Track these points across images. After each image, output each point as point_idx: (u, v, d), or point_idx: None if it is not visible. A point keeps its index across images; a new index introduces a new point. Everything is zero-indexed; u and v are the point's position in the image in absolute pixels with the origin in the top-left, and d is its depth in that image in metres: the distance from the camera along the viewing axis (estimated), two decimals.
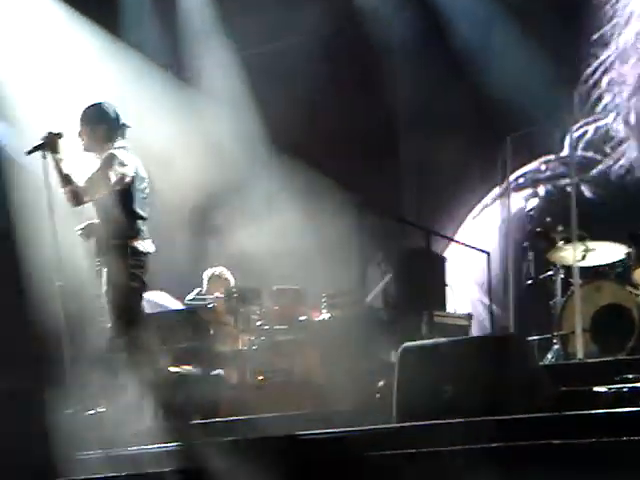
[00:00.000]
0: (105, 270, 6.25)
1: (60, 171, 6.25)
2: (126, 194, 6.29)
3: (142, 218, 6.34)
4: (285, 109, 9.93)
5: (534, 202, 8.02)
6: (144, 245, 6.30)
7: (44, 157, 6.27)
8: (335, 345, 7.90)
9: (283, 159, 10.04)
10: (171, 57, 10.18)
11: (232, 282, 9.02)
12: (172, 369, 8.03)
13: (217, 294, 8.73)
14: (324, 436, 5.16)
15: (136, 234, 6.27)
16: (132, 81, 9.07)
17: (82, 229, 6.44)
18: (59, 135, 6.32)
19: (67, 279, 6.26)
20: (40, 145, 6.31)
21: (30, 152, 6.39)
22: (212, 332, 8.39)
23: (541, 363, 6.70)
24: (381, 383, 6.60)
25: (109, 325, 6.29)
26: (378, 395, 6.54)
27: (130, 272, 6.19)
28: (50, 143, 6.29)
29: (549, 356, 7.72)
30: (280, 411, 6.83)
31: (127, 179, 6.27)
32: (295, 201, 10.04)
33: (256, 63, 10.50)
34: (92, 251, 6.39)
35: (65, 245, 6.29)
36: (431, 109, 10.06)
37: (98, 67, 9.19)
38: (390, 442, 4.82)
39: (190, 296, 8.85)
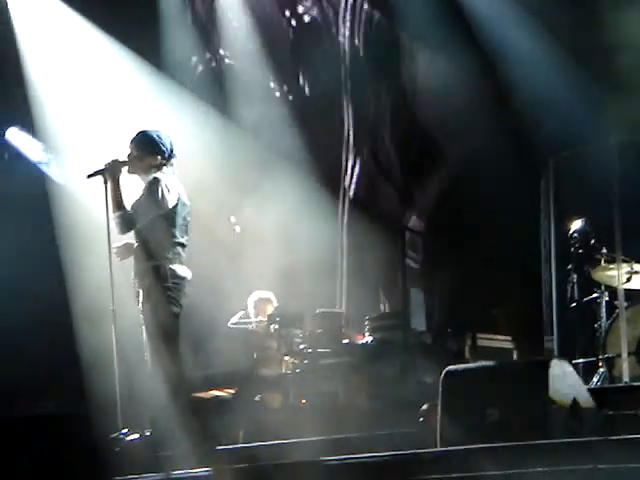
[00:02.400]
0: (143, 293, 6.29)
1: (116, 197, 6.33)
2: (168, 219, 6.33)
3: (182, 245, 6.37)
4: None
5: (578, 224, 7.94)
6: (182, 270, 6.34)
7: (105, 182, 6.38)
8: (378, 368, 7.89)
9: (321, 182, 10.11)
10: (209, 88, 10.25)
11: (275, 305, 9.05)
12: (214, 393, 8.08)
13: (260, 317, 8.76)
14: (368, 460, 5.14)
15: (175, 258, 6.30)
16: (171, 111, 9.17)
17: (118, 248, 6.48)
18: (123, 163, 6.41)
19: (119, 303, 6.31)
20: (102, 170, 6.42)
21: (91, 176, 6.49)
22: (255, 355, 8.42)
23: (587, 386, 6.62)
24: (424, 407, 6.57)
25: (148, 348, 6.31)
26: (422, 419, 6.50)
27: (168, 295, 6.22)
28: (112, 169, 6.39)
29: (594, 379, 7.64)
30: (324, 435, 6.81)
31: (170, 204, 6.31)
32: (337, 224, 10.08)
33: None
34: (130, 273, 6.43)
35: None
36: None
37: (139, 96, 9.31)
38: (434, 466, 4.80)
39: (233, 319, 8.88)
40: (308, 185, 9.98)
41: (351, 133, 10.74)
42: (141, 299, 6.29)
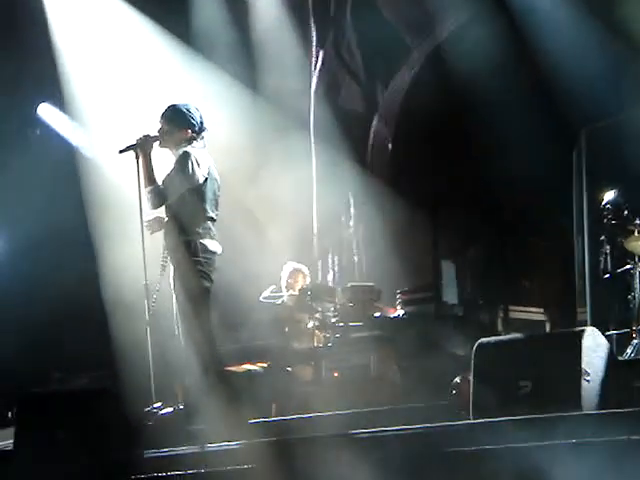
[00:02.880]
0: (173, 268, 6.31)
1: (148, 172, 6.35)
2: (198, 194, 6.33)
3: (212, 219, 6.38)
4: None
5: (611, 195, 7.87)
6: (213, 244, 6.34)
7: (137, 157, 6.39)
8: (410, 341, 7.88)
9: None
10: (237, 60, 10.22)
11: (309, 279, 9.06)
12: (246, 367, 8.10)
13: (292, 292, 8.77)
14: (400, 433, 5.14)
15: (205, 233, 6.31)
16: (201, 84, 9.15)
17: (149, 221, 6.50)
18: (154, 138, 6.42)
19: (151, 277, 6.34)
20: (133, 145, 6.43)
21: (123, 151, 6.51)
22: (287, 329, 8.44)
23: (620, 358, 6.59)
24: (457, 379, 6.56)
25: (179, 322, 6.33)
26: (454, 392, 6.50)
27: (199, 269, 6.23)
28: (143, 144, 6.40)
29: (628, 351, 7.60)
30: (356, 407, 6.83)
31: (200, 179, 6.31)
32: (370, 196, 10.06)
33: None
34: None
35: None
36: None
37: (169, 70, 9.30)
38: (467, 439, 4.79)
39: (265, 293, 8.89)
40: (333, 155, 9.98)
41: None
42: (171, 274, 6.31)
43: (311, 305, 8.38)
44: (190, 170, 6.28)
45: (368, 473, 4.09)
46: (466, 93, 9.12)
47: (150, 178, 6.35)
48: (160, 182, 6.36)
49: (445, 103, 9.53)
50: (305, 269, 9.11)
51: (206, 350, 6.13)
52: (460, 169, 9.99)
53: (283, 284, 8.97)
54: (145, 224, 6.46)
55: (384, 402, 7.17)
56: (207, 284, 6.27)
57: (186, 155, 6.32)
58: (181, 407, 6.50)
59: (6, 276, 10.03)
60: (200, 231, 6.29)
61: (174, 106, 6.51)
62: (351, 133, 10.43)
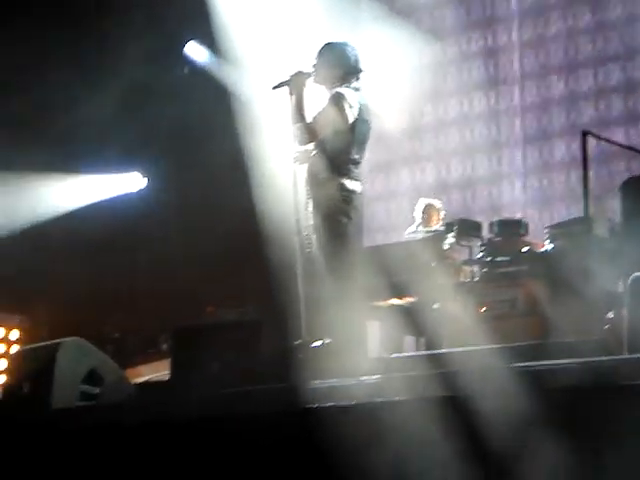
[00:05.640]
0: (313, 204, 6.35)
1: (299, 108, 6.38)
2: (347, 134, 6.32)
3: (356, 161, 6.37)
4: None
5: None
6: (354, 184, 6.35)
7: (290, 93, 6.42)
8: (559, 276, 7.75)
9: None
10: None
11: (443, 213, 9.01)
12: (393, 301, 8.13)
13: (437, 227, 8.73)
14: (551, 367, 5.08)
15: (348, 173, 6.32)
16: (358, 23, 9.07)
17: (299, 152, 6.54)
18: (307, 75, 6.44)
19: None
20: (286, 82, 6.45)
21: (276, 87, 6.54)
22: (433, 264, 8.41)
23: None
24: (610, 314, 6.43)
25: (321, 258, 6.38)
26: (607, 326, 6.38)
27: (339, 207, 6.26)
28: (297, 81, 6.42)
29: None
30: (503, 343, 6.78)
31: (350, 119, 6.30)
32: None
33: None
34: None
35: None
36: None
37: (326, 7, 9.22)
38: (620, 374, 4.70)
39: (410, 229, 8.88)
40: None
41: None
42: (311, 209, 6.36)
43: (458, 240, 8.33)
44: (341, 110, 6.26)
45: (525, 406, 4.07)
46: None
47: (300, 114, 6.37)
48: (310, 119, 6.38)
49: None
50: (438, 203, 9.06)
51: (349, 285, 6.17)
52: None
53: (417, 220, 8.95)
54: (295, 155, 6.50)
55: (532, 337, 7.10)
56: (346, 220, 6.30)
57: (339, 95, 6.30)
58: (328, 341, 6.58)
59: (165, 213, 10.29)
60: (343, 171, 6.30)
61: (331, 44, 6.48)
62: None
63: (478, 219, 9.28)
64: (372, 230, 10.55)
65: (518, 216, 9.03)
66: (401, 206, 10.50)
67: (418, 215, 9.01)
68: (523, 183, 10.43)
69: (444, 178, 10.89)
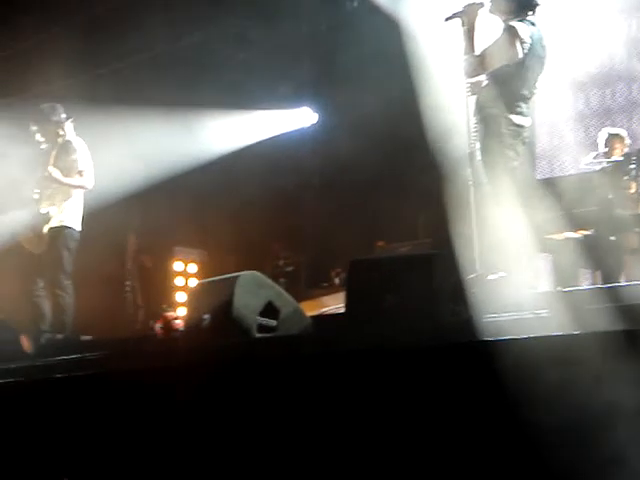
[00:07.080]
0: (479, 137, 6.29)
1: (470, 40, 6.32)
2: (517, 70, 6.20)
3: (525, 97, 6.25)
4: None
5: None
6: (520, 119, 6.24)
7: (462, 24, 6.37)
8: None
9: None
10: None
11: (628, 141, 8.75)
12: (567, 234, 7.99)
13: (615, 157, 8.50)
14: None
15: (515, 109, 6.21)
16: None
17: (472, 84, 6.48)
18: (481, 5, 6.36)
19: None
20: (460, 12, 6.42)
21: (449, 18, 6.51)
22: (611, 196, 8.21)
23: None
24: None
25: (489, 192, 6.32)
26: None
27: (503, 141, 6.16)
28: (470, 12, 6.36)
29: None
30: None
31: (520, 54, 6.17)
32: None
33: None
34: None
35: None
36: None
37: None
38: None
39: (587, 159, 8.68)
40: None
41: None
42: (478, 145, 6.30)
43: (637, 171, 8.09)
44: (511, 45, 6.15)
45: None
46: None
47: (471, 46, 6.31)
48: (480, 52, 6.29)
49: None
50: (623, 132, 8.79)
51: (518, 218, 6.09)
52: None
53: (600, 150, 8.71)
54: (467, 86, 6.45)
55: None
56: (511, 154, 6.21)
57: (511, 29, 6.18)
58: (502, 274, 6.53)
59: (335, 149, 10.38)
60: (511, 107, 6.21)
61: None
62: None
63: None
64: (536, 158, 10.34)
65: None
66: (563, 133, 10.19)
67: (601, 146, 8.78)
68: None
69: (608, 104, 10.52)
